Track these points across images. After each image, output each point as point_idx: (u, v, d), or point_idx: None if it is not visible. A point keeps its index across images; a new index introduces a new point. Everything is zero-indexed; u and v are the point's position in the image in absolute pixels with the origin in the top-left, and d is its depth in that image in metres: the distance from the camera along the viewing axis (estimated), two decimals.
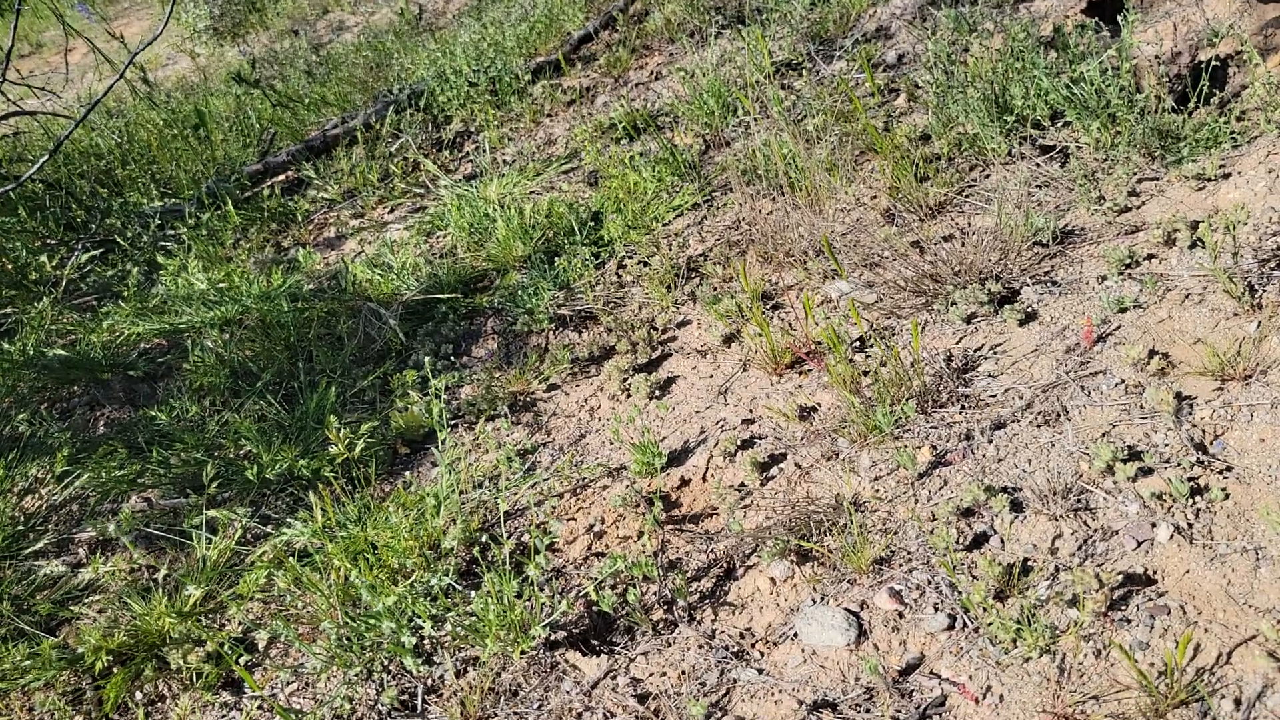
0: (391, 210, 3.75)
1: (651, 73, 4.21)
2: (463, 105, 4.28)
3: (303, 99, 4.82)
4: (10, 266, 3.67)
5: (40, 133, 5.01)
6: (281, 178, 4.27)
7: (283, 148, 4.47)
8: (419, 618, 1.83)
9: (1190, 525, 1.58)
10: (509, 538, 2.02)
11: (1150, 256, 2.18)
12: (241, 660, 1.97)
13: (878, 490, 1.87)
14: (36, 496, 2.63)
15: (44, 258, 3.71)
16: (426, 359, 2.49)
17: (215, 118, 4.78)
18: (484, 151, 3.88)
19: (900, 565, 1.71)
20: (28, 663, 2.02)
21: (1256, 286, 1.95)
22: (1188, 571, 1.51)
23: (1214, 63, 2.68)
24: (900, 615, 1.63)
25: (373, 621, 1.81)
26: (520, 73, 4.30)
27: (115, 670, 1.97)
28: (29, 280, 3.64)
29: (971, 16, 3.30)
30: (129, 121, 4.86)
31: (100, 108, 5.40)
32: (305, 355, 2.87)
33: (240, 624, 2.01)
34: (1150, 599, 1.49)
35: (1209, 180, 2.32)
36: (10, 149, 4.66)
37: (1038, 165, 2.61)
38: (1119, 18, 2.71)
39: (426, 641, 1.85)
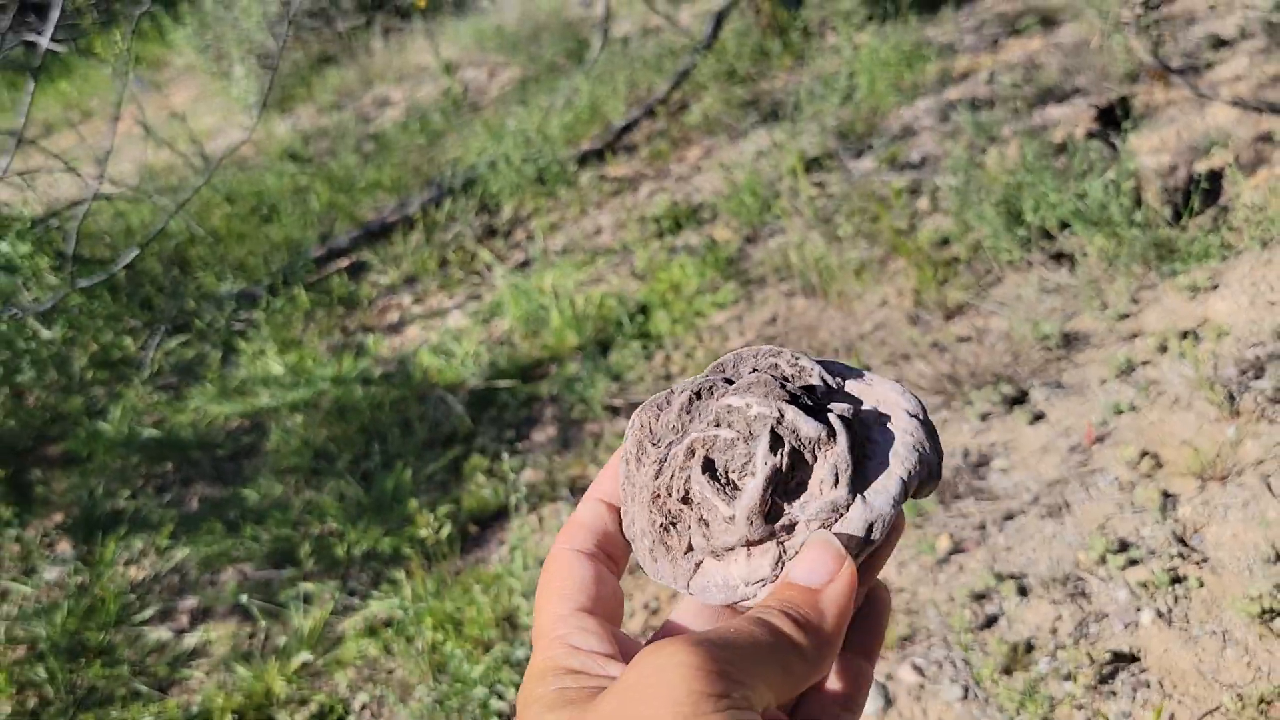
0: (450, 297, 4.05)
1: (691, 165, 4.52)
2: (513, 194, 4.58)
3: (357, 183, 5.15)
4: (97, 348, 4.00)
5: (110, 211, 5.32)
6: (344, 262, 4.58)
7: (342, 232, 4.78)
8: (502, 684, 2.10)
9: (1170, 610, 1.83)
10: None
11: (1146, 363, 2.44)
12: None
13: (901, 574, 2.14)
14: (139, 568, 2.92)
15: (127, 339, 4.04)
16: (493, 445, 2.77)
17: (275, 196, 5.11)
18: (535, 241, 4.19)
19: (921, 642, 1.97)
20: (150, 719, 2.30)
21: (1235, 395, 2.21)
22: (1166, 650, 1.77)
23: (1209, 174, 2.96)
24: (921, 686, 1.88)
25: (462, 686, 2.08)
26: (567, 163, 4.61)
27: None
28: (113, 361, 3.96)
29: (989, 122, 3.60)
30: (186, 202, 5.17)
31: (160, 182, 5.76)
32: (379, 438, 3.16)
33: (346, 687, 2.28)
34: (1134, 674, 1.75)
35: (1200, 290, 2.59)
36: (84, 229, 4.99)
37: (1047, 273, 2.89)
38: (1119, 139, 3.01)
39: (506, 705, 2.11)
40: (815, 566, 0.45)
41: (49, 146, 5.47)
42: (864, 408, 0.52)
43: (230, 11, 6.98)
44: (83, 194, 4.23)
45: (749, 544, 0.49)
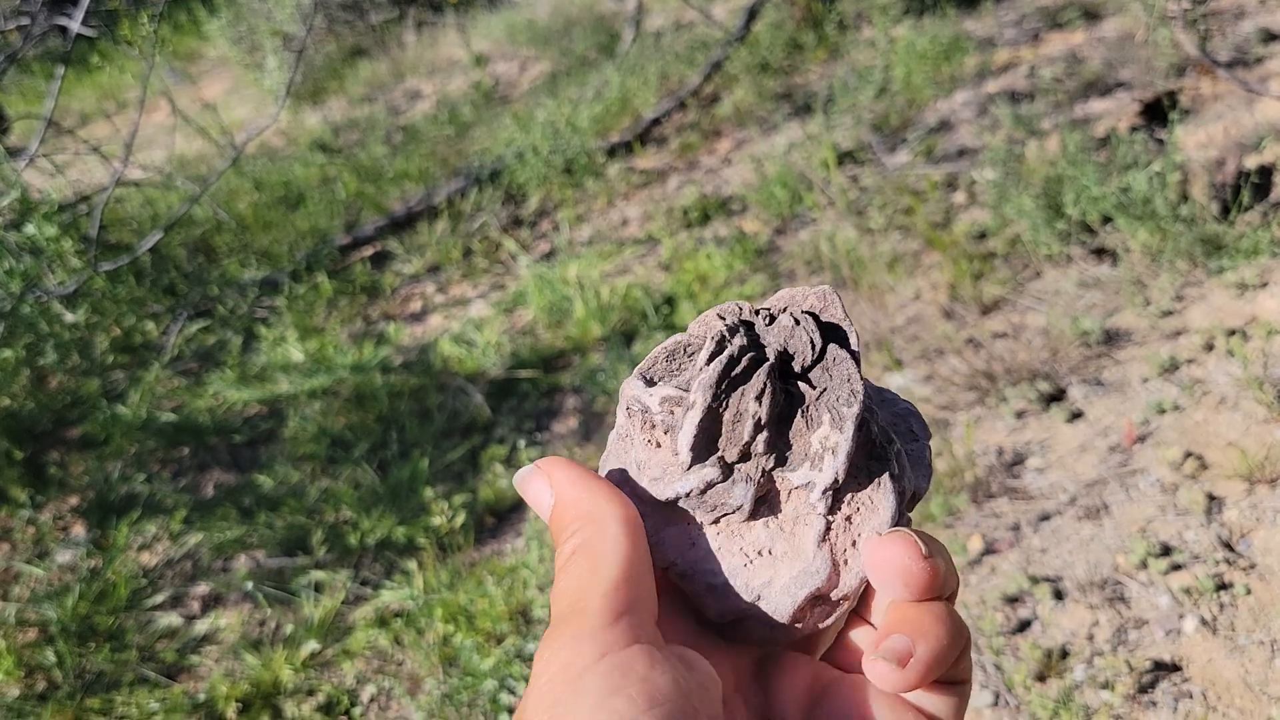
0: (474, 287, 3.99)
1: (722, 158, 4.44)
2: (540, 184, 4.52)
3: (385, 173, 5.09)
4: (119, 332, 3.96)
5: (139, 199, 5.29)
6: (368, 251, 4.53)
7: (367, 221, 4.73)
8: (513, 678, 2.03)
9: (1215, 618, 1.74)
10: None
11: (1190, 361, 2.34)
12: (348, 712, 2.17)
13: None
14: (152, 553, 2.88)
15: (150, 324, 4.01)
16: (513, 435, 2.71)
17: (302, 186, 5.06)
18: (561, 231, 4.12)
19: None
20: (156, 705, 2.24)
21: None
22: (1210, 660, 1.67)
23: (1260, 169, 2.85)
24: None
25: (472, 679, 2.01)
26: (595, 154, 4.53)
27: (234, 717, 2.19)
28: (135, 345, 3.92)
29: (1029, 115, 3.50)
30: (215, 189, 5.13)
31: (190, 171, 5.73)
32: (397, 427, 3.10)
33: (354, 678, 2.21)
34: (1175, 684, 1.66)
35: (1248, 287, 2.49)
36: (112, 215, 4.96)
37: (1087, 268, 2.79)
38: (1165, 132, 2.90)
39: (517, 699, 2.04)
40: (538, 493, 0.48)
41: (84, 136, 5.45)
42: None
43: (264, 3, 6.96)
44: (111, 179, 4.19)
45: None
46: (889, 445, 0.44)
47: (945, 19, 4.55)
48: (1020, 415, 2.39)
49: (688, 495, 0.44)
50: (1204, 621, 1.74)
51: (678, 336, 0.48)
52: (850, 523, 0.43)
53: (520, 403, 3.10)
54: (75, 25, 3.94)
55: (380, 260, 4.42)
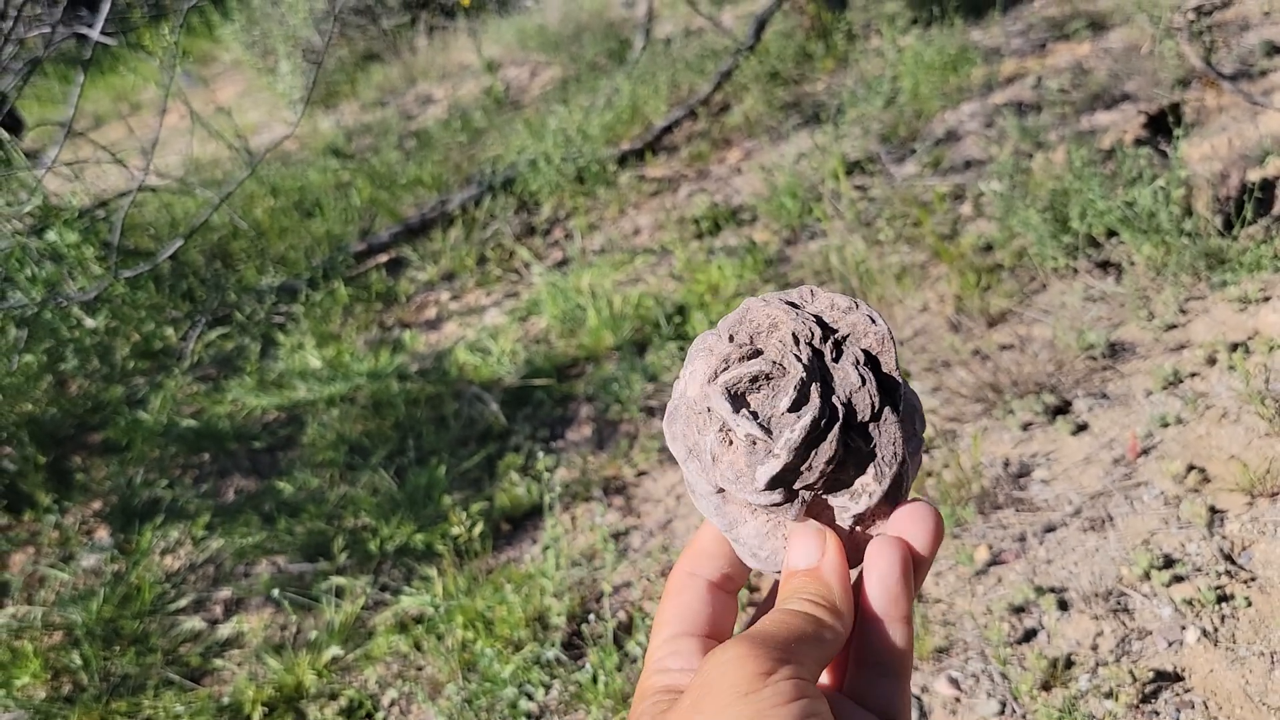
0: (488, 294, 4.05)
1: (731, 167, 4.49)
2: (552, 192, 4.57)
3: (398, 179, 5.14)
4: (139, 338, 4.02)
5: (156, 203, 5.34)
6: (383, 257, 4.59)
7: (382, 228, 4.79)
8: (532, 684, 2.08)
9: (1216, 629, 1.79)
10: (610, 615, 2.28)
11: (1193, 375, 2.39)
12: (370, 715, 2.23)
13: (939, 585, 2.10)
14: (175, 557, 2.94)
15: (169, 330, 4.07)
16: (528, 443, 2.76)
17: (317, 192, 5.12)
18: (574, 240, 4.18)
19: (958, 655, 1.94)
20: (181, 709, 2.30)
21: None
22: (1211, 670, 1.73)
23: (1263, 183, 2.90)
24: (958, 700, 1.85)
25: (492, 685, 2.07)
26: (607, 163, 4.58)
27: None
28: (154, 351, 3.99)
29: (1035, 127, 3.55)
30: (230, 195, 5.17)
31: (205, 175, 5.79)
32: (414, 434, 3.16)
33: (376, 683, 2.27)
34: (1177, 694, 1.71)
35: (1251, 302, 2.53)
36: (129, 220, 5.01)
37: (1093, 281, 2.84)
38: (1169, 146, 2.95)
39: (535, 705, 2.10)
40: (806, 550, 0.55)
41: (98, 139, 5.52)
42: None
43: (277, 7, 7.02)
44: (129, 185, 4.25)
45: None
46: (907, 478, 0.56)
47: (952, 29, 4.61)
48: (1026, 427, 2.44)
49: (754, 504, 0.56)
50: (1205, 633, 1.79)
51: (751, 339, 0.57)
52: (865, 532, 0.56)
53: (535, 411, 3.16)
54: (95, 34, 4.00)
55: (395, 267, 4.48)
